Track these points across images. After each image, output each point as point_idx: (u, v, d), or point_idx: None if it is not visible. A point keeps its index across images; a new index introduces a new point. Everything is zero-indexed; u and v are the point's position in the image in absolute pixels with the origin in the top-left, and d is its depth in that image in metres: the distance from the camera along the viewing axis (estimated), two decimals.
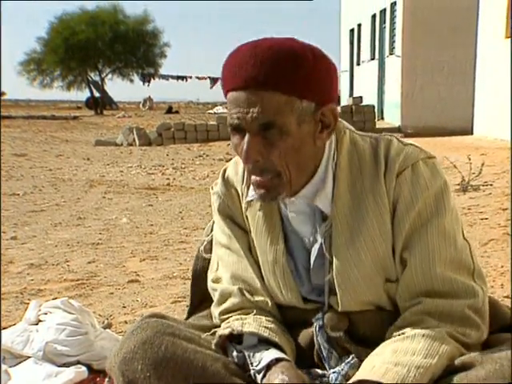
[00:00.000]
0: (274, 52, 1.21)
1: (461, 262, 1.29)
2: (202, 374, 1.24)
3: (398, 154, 1.31)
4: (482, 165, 6.65)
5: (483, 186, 6.50)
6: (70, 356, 2.26)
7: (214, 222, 1.54)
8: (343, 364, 1.32)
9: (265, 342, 1.32)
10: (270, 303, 1.40)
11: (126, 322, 2.96)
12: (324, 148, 1.33)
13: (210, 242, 1.55)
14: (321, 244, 1.34)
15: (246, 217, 1.42)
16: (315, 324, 1.36)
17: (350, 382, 1.20)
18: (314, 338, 1.36)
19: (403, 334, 1.24)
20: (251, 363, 1.29)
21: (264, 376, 1.26)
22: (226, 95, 1.28)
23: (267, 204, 1.37)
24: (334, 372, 1.31)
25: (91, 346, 2.30)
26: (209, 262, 1.54)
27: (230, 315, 1.40)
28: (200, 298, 1.59)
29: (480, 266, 1.35)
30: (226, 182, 1.45)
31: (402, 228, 1.29)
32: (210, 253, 1.54)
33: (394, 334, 1.26)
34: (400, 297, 1.31)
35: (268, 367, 1.26)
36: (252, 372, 1.29)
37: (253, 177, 1.29)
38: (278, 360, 1.27)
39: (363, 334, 1.34)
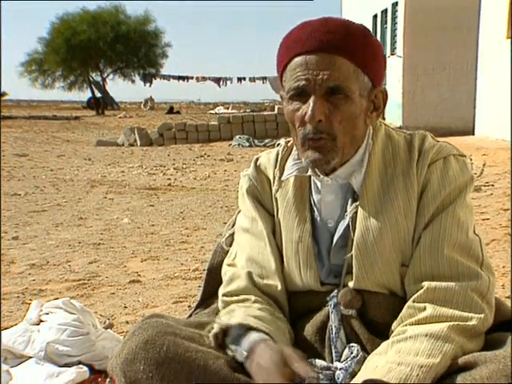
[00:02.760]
0: (345, 25, 1.30)
1: (470, 250, 1.32)
2: (205, 372, 1.24)
3: (432, 146, 1.37)
4: (484, 165, 6.66)
5: (485, 186, 6.50)
6: (72, 356, 2.26)
7: (236, 217, 1.57)
8: (349, 360, 1.31)
9: (253, 331, 1.28)
10: (279, 287, 1.41)
11: (127, 323, 2.96)
12: (367, 132, 1.38)
13: (232, 235, 1.58)
14: (347, 223, 1.37)
15: (276, 199, 1.46)
16: (330, 302, 1.37)
17: (355, 381, 1.20)
18: (329, 314, 1.37)
19: (406, 331, 1.24)
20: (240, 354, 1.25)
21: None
22: (287, 64, 1.31)
23: (300, 185, 1.42)
24: (341, 369, 1.31)
25: (92, 346, 2.30)
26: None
27: (231, 298, 1.42)
28: (210, 295, 1.60)
29: (489, 259, 1.36)
30: (258, 168, 1.51)
31: (425, 214, 1.34)
32: (231, 246, 1.56)
33: (399, 328, 1.27)
34: (407, 278, 1.33)
35: (247, 356, 1.23)
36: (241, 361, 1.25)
37: (307, 142, 1.31)
38: (257, 344, 1.23)
39: (374, 317, 1.36)
